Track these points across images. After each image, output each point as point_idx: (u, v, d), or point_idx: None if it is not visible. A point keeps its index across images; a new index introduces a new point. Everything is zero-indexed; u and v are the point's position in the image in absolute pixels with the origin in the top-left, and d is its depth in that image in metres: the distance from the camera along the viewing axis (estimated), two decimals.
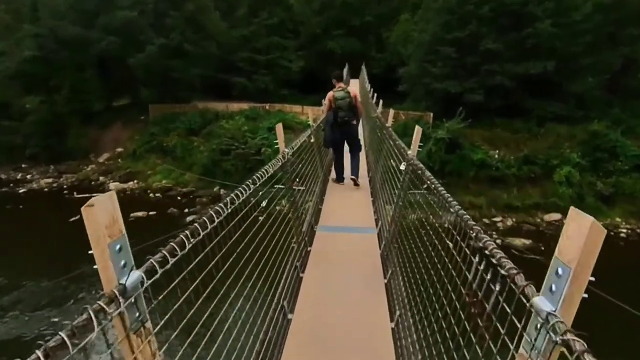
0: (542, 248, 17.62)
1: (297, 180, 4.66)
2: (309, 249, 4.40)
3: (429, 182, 2.57)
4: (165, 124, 27.76)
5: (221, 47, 30.76)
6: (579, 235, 0.98)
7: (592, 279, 1.01)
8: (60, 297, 13.46)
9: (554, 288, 1.07)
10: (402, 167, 3.83)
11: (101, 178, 25.85)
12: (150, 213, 21.01)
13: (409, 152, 3.65)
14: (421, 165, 3.00)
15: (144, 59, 25.50)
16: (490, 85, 23.12)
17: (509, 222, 20.24)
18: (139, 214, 20.78)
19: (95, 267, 1.14)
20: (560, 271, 1.06)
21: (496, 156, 21.81)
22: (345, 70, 24.94)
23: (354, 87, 7.63)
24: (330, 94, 6.55)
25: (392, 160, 5.12)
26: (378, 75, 29.84)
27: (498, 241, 18.23)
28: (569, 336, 0.92)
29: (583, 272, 1.00)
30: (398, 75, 28.30)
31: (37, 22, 25.60)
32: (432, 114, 24.63)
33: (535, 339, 1.09)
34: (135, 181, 25.41)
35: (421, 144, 3.82)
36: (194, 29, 27.90)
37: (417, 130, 3.75)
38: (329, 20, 34.68)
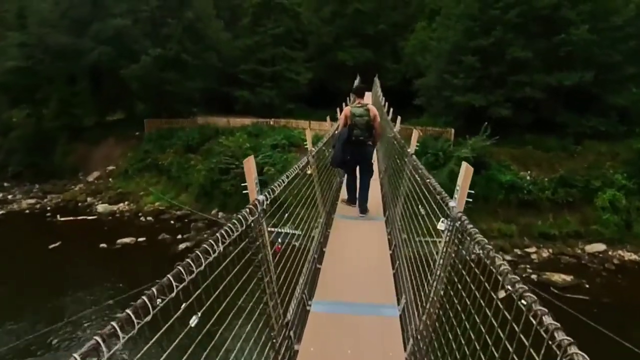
0: (587, 286, 16.09)
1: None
2: (295, 347, 3.07)
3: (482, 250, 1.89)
4: (160, 141, 27.01)
5: (223, 58, 30.21)
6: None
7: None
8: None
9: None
10: (442, 226, 2.67)
11: (89, 199, 24.97)
12: (140, 239, 19.96)
13: (452, 203, 2.60)
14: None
15: (138, 70, 24.90)
16: (518, 98, 22.15)
17: (545, 254, 18.80)
18: (127, 240, 19.72)
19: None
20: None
21: (528, 177, 20.53)
22: (356, 82, 23.93)
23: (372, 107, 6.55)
24: (347, 109, 6.27)
25: (419, 206, 3.84)
26: (393, 88, 28.92)
27: (533, 277, 16.71)
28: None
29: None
30: (414, 87, 27.59)
31: (24, 30, 25.24)
32: (453, 130, 23.60)
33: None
34: (126, 203, 24.51)
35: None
36: (193, 39, 27.33)
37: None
38: (340, 29, 34.10)
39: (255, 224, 2.40)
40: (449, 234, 2.50)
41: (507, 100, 22.23)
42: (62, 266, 17.02)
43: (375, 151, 8.60)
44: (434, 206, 3.24)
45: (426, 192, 3.63)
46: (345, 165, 6.43)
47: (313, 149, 5.16)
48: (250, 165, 2.70)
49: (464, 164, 3.08)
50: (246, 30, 32.46)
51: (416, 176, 4.29)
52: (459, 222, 2.24)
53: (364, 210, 6.37)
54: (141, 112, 30.40)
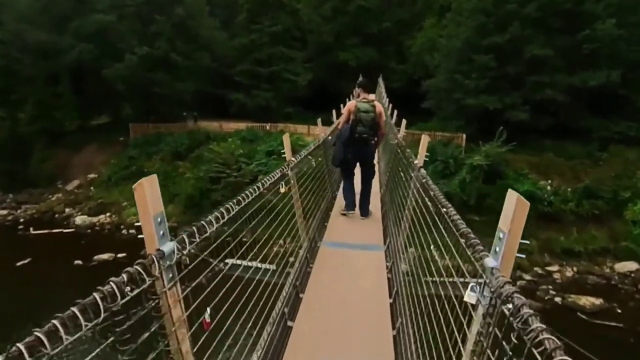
0: (619, 310, 14.88)
1: None
2: None
3: None
4: (146, 147, 26.13)
5: (216, 58, 29.43)
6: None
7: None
8: None
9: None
10: (470, 298, 1.72)
11: (67, 210, 24.00)
12: (119, 255, 18.92)
13: (491, 262, 1.61)
14: None
15: (122, 70, 24.06)
16: (537, 100, 21.39)
17: (569, 273, 17.74)
18: (104, 256, 18.72)
19: None
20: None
21: (548, 188, 19.53)
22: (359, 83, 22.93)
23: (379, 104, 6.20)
24: (351, 102, 6.03)
25: (432, 246, 2.80)
26: (398, 90, 28.04)
27: (557, 299, 15.55)
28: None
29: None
30: (422, 89, 26.85)
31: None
32: (464, 136, 22.95)
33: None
34: (108, 214, 23.56)
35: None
36: (184, 37, 26.54)
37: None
38: (342, 27, 33.50)
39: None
40: (484, 311, 1.59)
41: (525, 102, 21.49)
42: (30, 286, 15.95)
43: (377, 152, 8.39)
44: (453, 249, 2.22)
45: (441, 225, 2.50)
46: (346, 164, 6.18)
47: (292, 159, 4.05)
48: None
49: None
50: (241, 28, 31.88)
51: (426, 200, 3.16)
52: (501, 298, 1.34)
53: (365, 212, 6.21)
54: (128, 115, 29.47)
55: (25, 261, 17.99)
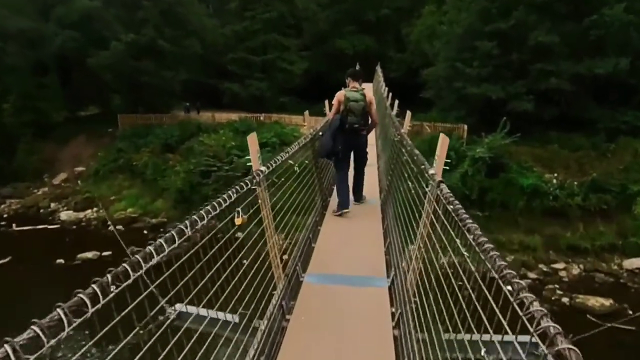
0: (630, 312, 14.01)
1: None
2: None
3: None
4: (135, 139, 25.08)
5: (208, 46, 28.15)
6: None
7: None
8: None
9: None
10: None
11: (53, 205, 23.06)
12: (104, 253, 18.06)
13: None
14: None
15: (107, 58, 22.94)
16: (542, 89, 20.44)
17: (575, 270, 16.96)
18: (89, 254, 17.83)
19: None
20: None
21: (554, 181, 18.62)
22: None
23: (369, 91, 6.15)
24: (340, 93, 5.91)
25: None
26: (396, 80, 27.11)
27: (564, 300, 14.72)
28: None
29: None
30: (421, 78, 26.06)
31: None
32: (466, 127, 21.98)
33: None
34: (95, 209, 22.52)
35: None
36: (173, 24, 25.23)
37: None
38: (339, 14, 32.62)
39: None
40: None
41: (529, 92, 20.49)
42: (7, 287, 14.95)
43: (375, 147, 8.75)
44: None
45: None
46: (334, 156, 5.92)
47: (262, 168, 2.98)
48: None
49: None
50: (234, 15, 30.87)
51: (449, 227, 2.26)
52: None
53: (359, 198, 6.27)
54: (116, 106, 28.36)
55: (5, 260, 17.04)
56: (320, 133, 6.09)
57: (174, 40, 25.76)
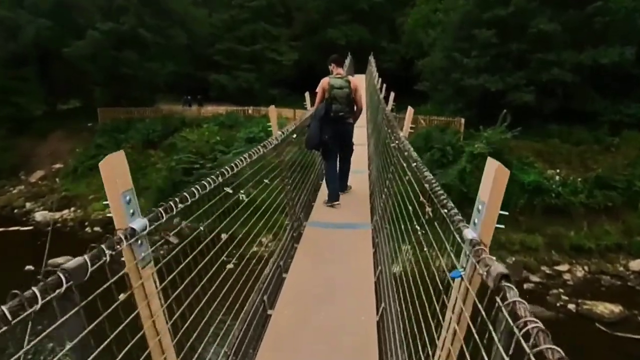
0: None
1: None
2: None
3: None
4: (116, 134, 23.71)
5: (193, 35, 26.75)
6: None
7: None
8: None
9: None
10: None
11: (28, 204, 21.65)
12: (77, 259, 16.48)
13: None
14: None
15: (83, 47, 21.37)
16: (543, 80, 19.37)
17: (580, 273, 15.96)
18: (60, 260, 16.28)
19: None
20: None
21: (557, 178, 17.38)
22: (347, 62, 20.64)
23: (360, 81, 6.33)
24: (324, 80, 5.74)
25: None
26: (390, 71, 26.12)
27: (570, 307, 13.67)
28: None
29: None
30: (416, 70, 25.14)
31: None
32: (463, 120, 21.02)
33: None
34: (72, 209, 21.24)
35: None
36: (154, 12, 23.71)
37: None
38: (330, 3, 31.40)
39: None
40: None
41: (529, 83, 19.47)
42: None
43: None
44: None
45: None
46: (323, 146, 5.84)
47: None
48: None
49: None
50: (220, 3, 29.33)
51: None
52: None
53: (343, 188, 6.11)
54: (98, 100, 26.87)
55: None
56: (307, 124, 5.90)
57: (157, 30, 24.30)
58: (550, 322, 12.96)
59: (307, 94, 7.56)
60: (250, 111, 26.10)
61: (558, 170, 17.89)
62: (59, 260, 16.34)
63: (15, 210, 21.19)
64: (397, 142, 4.07)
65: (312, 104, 6.41)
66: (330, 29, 30.51)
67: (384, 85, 12.72)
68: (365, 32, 31.14)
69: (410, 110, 4.89)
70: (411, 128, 4.84)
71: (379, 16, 31.56)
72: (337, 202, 5.72)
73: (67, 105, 29.90)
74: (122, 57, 23.00)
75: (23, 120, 25.51)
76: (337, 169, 5.97)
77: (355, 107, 5.82)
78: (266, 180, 3.75)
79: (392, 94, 10.51)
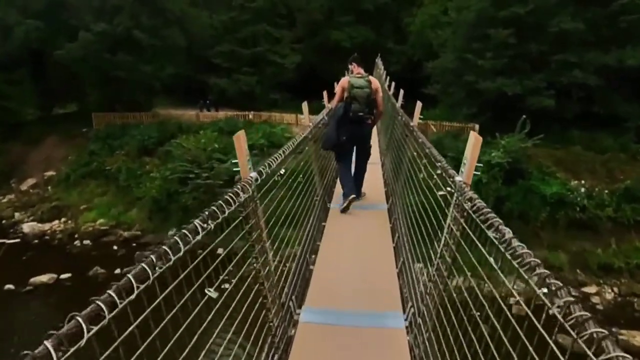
0: None
1: None
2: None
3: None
4: (110, 140, 22.36)
5: (191, 37, 25.26)
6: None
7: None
8: None
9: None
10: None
11: (17, 215, 20.38)
12: (63, 276, 15.36)
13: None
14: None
15: (75, 50, 19.98)
16: (564, 83, 18.23)
17: (609, 295, 14.51)
18: (44, 278, 15.13)
19: None
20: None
21: (581, 189, 15.75)
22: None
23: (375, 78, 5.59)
24: (344, 79, 5.58)
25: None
26: (396, 74, 24.07)
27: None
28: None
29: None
30: (424, 72, 23.68)
31: None
32: (477, 126, 19.62)
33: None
34: (63, 220, 19.88)
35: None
36: (150, 12, 22.25)
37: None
38: (334, 3, 29.87)
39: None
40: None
41: (550, 86, 18.30)
42: None
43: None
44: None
45: None
46: (339, 147, 5.62)
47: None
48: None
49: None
50: (220, 4, 27.99)
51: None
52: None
53: (357, 193, 5.82)
54: (92, 104, 25.49)
55: None
56: (325, 123, 6.01)
57: (153, 31, 22.87)
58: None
59: (324, 93, 7.35)
60: (250, 116, 24.69)
61: (583, 182, 16.25)
62: (42, 278, 14.94)
63: (4, 221, 19.80)
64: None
65: (311, 114, 6.20)
66: (333, 31, 29.05)
67: (393, 84, 11.62)
68: (370, 33, 29.58)
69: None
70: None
71: (384, 16, 30.07)
72: (353, 196, 5.47)
73: (64, 109, 28.57)
74: (117, 60, 21.58)
75: (15, 125, 24.21)
76: (350, 171, 5.75)
77: (375, 109, 5.63)
78: None
79: (402, 91, 9.42)
